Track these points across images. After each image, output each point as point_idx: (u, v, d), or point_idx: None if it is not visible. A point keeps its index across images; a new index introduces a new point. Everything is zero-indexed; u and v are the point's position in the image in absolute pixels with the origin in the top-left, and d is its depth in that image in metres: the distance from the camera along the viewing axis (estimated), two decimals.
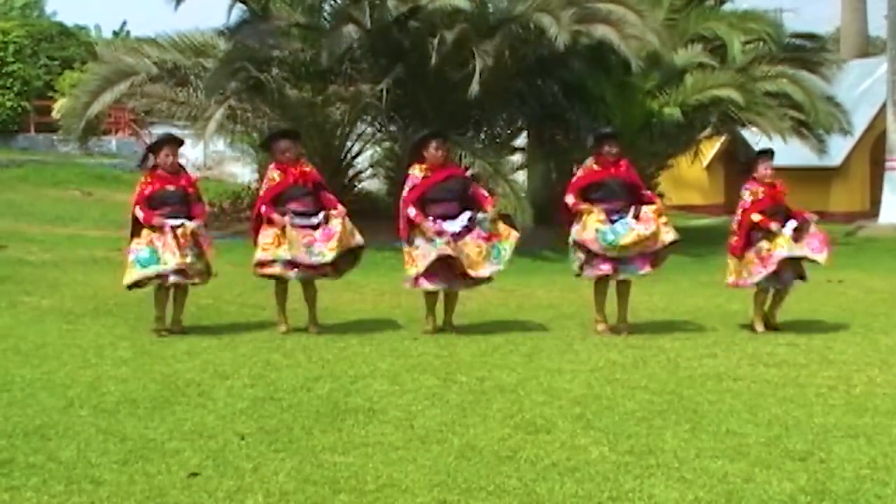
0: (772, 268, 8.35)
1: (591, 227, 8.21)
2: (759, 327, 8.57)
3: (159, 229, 7.95)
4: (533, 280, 12.10)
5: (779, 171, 8.92)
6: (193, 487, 4.32)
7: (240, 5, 17.38)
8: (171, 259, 7.90)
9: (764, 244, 8.43)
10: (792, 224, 8.40)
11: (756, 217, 8.43)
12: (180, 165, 8.42)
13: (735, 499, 4.26)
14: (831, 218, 23.15)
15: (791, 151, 19.43)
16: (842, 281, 12.43)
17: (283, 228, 8.02)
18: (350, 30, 15.10)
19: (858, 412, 5.72)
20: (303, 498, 4.22)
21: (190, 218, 8.13)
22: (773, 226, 8.34)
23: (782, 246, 8.33)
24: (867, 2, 29.89)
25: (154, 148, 8.41)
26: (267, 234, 8.15)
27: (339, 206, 8.29)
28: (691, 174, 23.93)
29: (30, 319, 8.54)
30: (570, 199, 8.40)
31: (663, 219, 8.37)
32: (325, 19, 16.81)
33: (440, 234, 8.05)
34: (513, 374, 6.66)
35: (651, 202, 8.44)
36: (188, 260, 7.97)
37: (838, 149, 22.18)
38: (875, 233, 20.39)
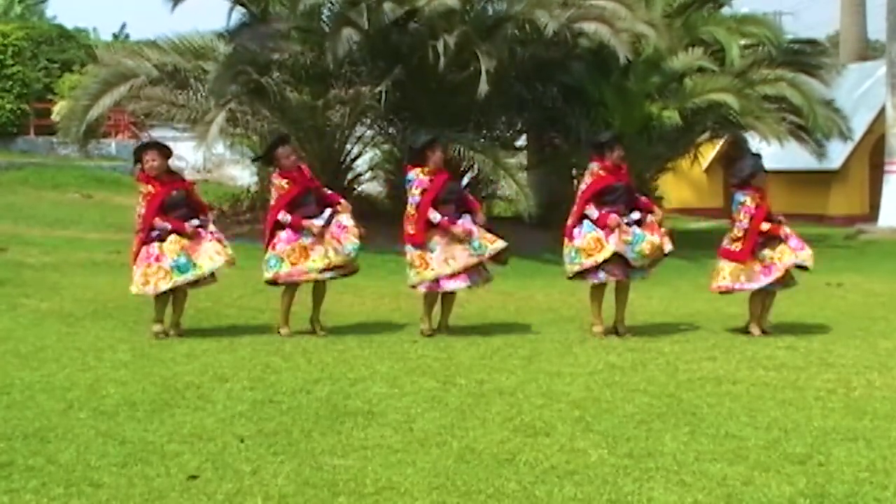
0: (777, 274, 8.46)
1: (616, 238, 8.19)
2: (756, 331, 8.58)
3: (192, 235, 8.07)
4: (532, 283, 12.10)
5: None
6: (193, 490, 4.32)
7: (239, 8, 17.44)
8: (207, 263, 8.07)
9: (767, 252, 8.50)
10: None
11: (765, 226, 8.47)
12: (170, 169, 8.40)
13: (734, 502, 4.26)
14: (831, 221, 23.21)
15: (791, 155, 19.45)
16: (841, 284, 12.44)
17: (314, 234, 8.13)
18: (349, 33, 15.09)
19: (857, 415, 5.72)
20: (302, 500, 4.22)
21: (197, 216, 8.28)
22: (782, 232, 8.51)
23: (788, 254, 8.47)
24: (866, 5, 29.99)
25: (139, 152, 8.43)
26: (289, 250, 8.16)
27: (343, 201, 8.54)
28: (690, 176, 23.96)
29: (29, 322, 8.54)
30: (593, 212, 8.25)
31: (663, 229, 8.52)
32: (324, 22, 16.81)
33: (469, 233, 8.19)
34: (512, 377, 6.66)
35: (649, 209, 8.52)
36: (218, 263, 8.15)
37: (838, 152, 22.17)
38: (874, 236, 20.40)
